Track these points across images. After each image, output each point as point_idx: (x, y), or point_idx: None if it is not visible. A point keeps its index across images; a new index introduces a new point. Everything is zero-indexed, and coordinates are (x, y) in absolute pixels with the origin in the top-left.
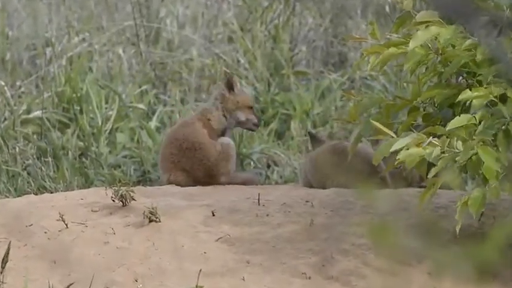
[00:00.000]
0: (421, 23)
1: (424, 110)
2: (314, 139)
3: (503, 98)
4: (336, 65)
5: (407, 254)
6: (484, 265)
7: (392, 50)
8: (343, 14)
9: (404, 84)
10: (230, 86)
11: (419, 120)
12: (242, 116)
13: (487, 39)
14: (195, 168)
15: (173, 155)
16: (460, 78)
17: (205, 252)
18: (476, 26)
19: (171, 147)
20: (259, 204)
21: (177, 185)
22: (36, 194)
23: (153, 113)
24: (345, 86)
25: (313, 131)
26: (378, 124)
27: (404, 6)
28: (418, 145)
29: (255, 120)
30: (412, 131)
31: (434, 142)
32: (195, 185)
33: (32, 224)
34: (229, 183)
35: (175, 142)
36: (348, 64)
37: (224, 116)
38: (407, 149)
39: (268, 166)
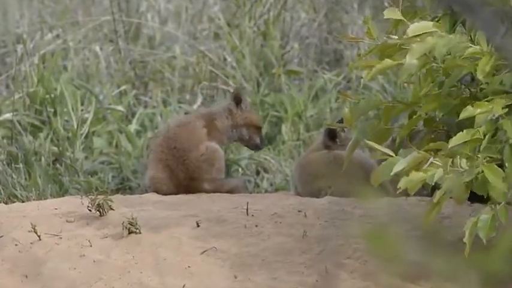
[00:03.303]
0: (416, 36)
1: (426, 115)
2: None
3: (510, 109)
4: (330, 64)
5: (409, 267)
6: (492, 280)
7: (386, 62)
8: (339, 8)
9: (405, 84)
10: (238, 101)
11: (421, 124)
12: (246, 133)
13: (492, 38)
14: (178, 168)
15: (163, 152)
16: (463, 87)
17: (189, 266)
18: (481, 22)
19: (162, 144)
20: (247, 214)
21: (157, 186)
22: (6, 203)
23: (133, 116)
24: (340, 86)
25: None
26: (373, 144)
27: (386, 15)
28: (419, 164)
29: (257, 142)
30: (412, 138)
31: (436, 162)
32: (177, 190)
33: (1, 236)
34: (214, 191)
35: (167, 141)
36: (344, 63)
37: (231, 127)
38: (407, 174)
39: (258, 173)
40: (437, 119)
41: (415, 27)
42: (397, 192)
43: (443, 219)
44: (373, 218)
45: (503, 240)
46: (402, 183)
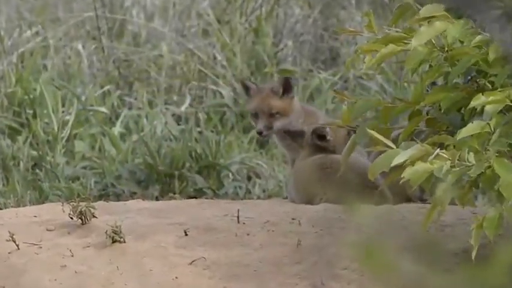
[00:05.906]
0: (425, 18)
1: (427, 114)
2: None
3: None
4: (326, 62)
5: (407, 279)
6: None
7: (391, 47)
8: (335, 3)
9: (405, 83)
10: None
11: (422, 124)
12: None
13: (501, 35)
14: None
15: None
16: (469, 78)
17: (176, 277)
18: (488, 20)
19: None
20: (238, 222)
21: None
22: None
23: (117, 118)
24: (337, 86)
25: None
26: (374, 133)
27: None
28: (422, 157)
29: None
30: (414, 139)
31: (443, 155)
32: None
33: None
34: None
35: None
36: (341, 61)
37: None
38: (413, 164)
39: (249, 178)
40: (441, 117)
41: (428, 8)
42: (400, 182)
43: (444, 228)
44: (371, 226)
45: (504, 253)
46: (406, 174)
